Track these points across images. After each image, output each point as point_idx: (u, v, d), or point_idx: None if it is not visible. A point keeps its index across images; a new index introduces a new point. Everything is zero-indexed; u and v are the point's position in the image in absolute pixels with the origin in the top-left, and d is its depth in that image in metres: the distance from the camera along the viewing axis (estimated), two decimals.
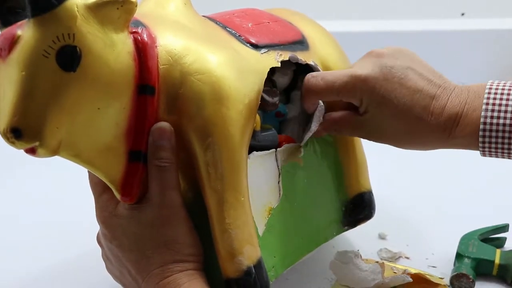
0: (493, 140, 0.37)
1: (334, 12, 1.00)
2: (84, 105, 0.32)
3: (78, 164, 0.34)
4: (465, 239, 0.51)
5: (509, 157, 0.39)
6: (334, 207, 0.47)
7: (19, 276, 0.50)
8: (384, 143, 0.42)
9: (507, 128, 0.37)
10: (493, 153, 0.39)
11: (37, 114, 0.30)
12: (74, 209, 0.59)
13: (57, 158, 0.33)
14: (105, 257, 0.41)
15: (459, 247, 0.50)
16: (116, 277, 0.41)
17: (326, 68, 0.45)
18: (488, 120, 0.37)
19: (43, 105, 0.30)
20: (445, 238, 0.53)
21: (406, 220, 0.58)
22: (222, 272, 0.37)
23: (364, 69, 0.40)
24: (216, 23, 0.42)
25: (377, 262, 0.47)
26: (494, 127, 0.37)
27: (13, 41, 0.30)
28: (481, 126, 0.37)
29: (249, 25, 0.42)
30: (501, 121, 0.37)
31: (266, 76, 0.40)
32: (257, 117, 0.39)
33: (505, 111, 0.37)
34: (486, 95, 0.38)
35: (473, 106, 0.38)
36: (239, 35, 0.41)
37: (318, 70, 0.45)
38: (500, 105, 0.37)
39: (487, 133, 0.37)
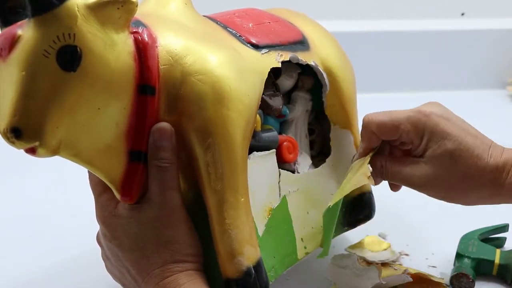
0: None
1: (334, 12, 1.00)
2: (84, 105, 0.32)
3: (78, 164, 0.34)
4: (465, 239, 0.51)
5: None
6: None
7: (19, 276, 0.50)
8: (429, 193, 0.41)
9: None
10: None
11: (37, 114, 0.30)
12: (74, 208, 0.59)
13: (57, 158, 0.33)
14: (104, 256, 0.41)
15: (459, 247, 0.50)
16: (115, 277, 0.41)
17: (327, 68, 0.45)
18: None
19: (43, 105, 0.30)
20: (445, 238, 0.53)
21: (406, 220, 0.58)
22: (221, 272, 0.37)
23: (429, 108, 0.41)
24: (217, 23, 0.42)
25: (374, 264, 0.47)
26: None
27: (13, 41, 0.30)
28: None
29: (250, 25, 0.42)
30: None
31: (266, 76, 0.40)
32: (258, 117, 0.39)
33: None
34: None
35: None
36: (240, 35, 0.41)
37: (319, 71, 0.45)
38: None
39: None
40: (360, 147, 0.43)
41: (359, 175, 0.40)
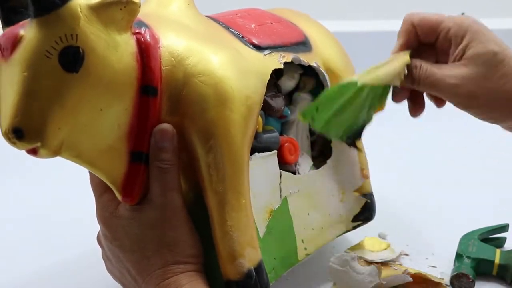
0: None
1: (335, 12, 1.00)
2: (86, 105, 0.32)
3: (80, 165, 0.34)
4: (465, 239, 0.51)
5: None
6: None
7: (19, 276, 0.50)
8: (468, 100, 0.38)
9: None
10: None
11: (39, 114, 0.30)
12: (75, 209, 0.58)
13: (58, 158, 0.33)
14: (105, 257, 0.41)
15: (459, 247, 0.50)
16: (116, 277, 0.41)
17: (329, 69, 0.45)
18: None
19: (45, 106, 0.30)
20: (445, 238, 0.53)
21: (406, 220, 0.58)
22: (222, 274, 0.37)
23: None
24: (219, 23, 0.41)
25: (374, 264, 0.47)
26: None
27: (15, 41, 0.30)
28: None
29: (252, 25, 0.42)
30: None
31: (269, 77, 0.40)
32: (259, 118, 0.39)
33: None
34: None
35: None
36: (242, 36, 0.41)
37: (321, 72, 0.45)
38: None
39: None
40: (396, 46, 0.40)
41: (394, 73, 0.37)
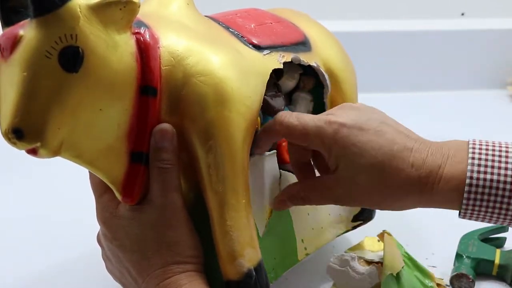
0: (478, 196, 0.34)
1: (335, 12, 1.00)
2: (86, 106, 0.32)
3: (80, 165, 0.34)
4: (465, 239, 0.51)
5: (490, 219, 0.35)
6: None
7: (19, 276, 0.50)
8: (359, 205, 0.39)
9: (494, 184, 0.34)
10: (476, 211, 0.35)
11: (38, 114, 0.30)
12: (75, 209, 0.58)
13: (58, 158, 0.33)
14: (105, 257, 0.41)
15: (459, 247, 0.50)
16: (116, 277, 0.41)
17: (329, 69, 0.45)
18: (475, 175, 0.34)
19: (45, 106, 0.30)
20: (445, 238, 0.53)
21: (406, 220, 0.58)
22: (222, 274, 0.37)
23: (339, 117, 0.36)
24: (219, 23, 0.41)
25: (374, 264, 0.47)
26: (481, 182, 0.34)
27: (15, 41, 0.30)
28: (468, 181, 0.34)
29: (252, 25, 0.42)
30: (488, 176, 0.34)
31: (268, 77, 0.40)
32: (258, 119, 0.39)
33: (492, 167, 0.34)
34: (471, 149, 0.35)
35: (458, 159, 0.35)
36: (242, 36, 0.41)
37: (320, 72, 0.45)
38: (486, 160, 0.34)
39: (473, 188, 0.34)
40: (259, 140, 0.39)
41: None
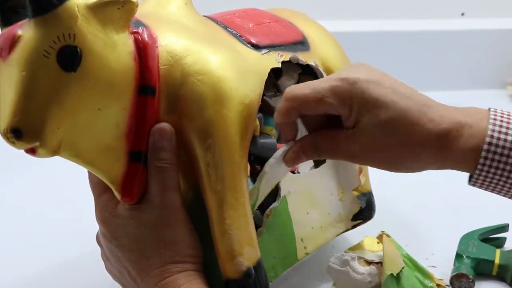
0: (496, 157, 0.33)
1: (334, 12, 1.00)
2: (84, 105, 0.32)
3: (78, 164, 0.34)
4: (465, 239, 0.51)
5: (501, 188, 0.35)
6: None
7: (19, 276, 0.50)
8: (371, 164, 0.37)
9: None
10: (490, 175, 0.34)
11: (37, 114, 0.30)
12: (74, 209, 0.58)
13: (56, 158, 0.33)
14: (104, 257, 0.41)
15: (459, 247, 0.50)
16: (115, 277, 0.41)
17: (327, 68, 0.45)
18: (496, 134, 0.33)
19: (43, 105, 0.30)
20: (445, 238, 0.53)
21: (406, 220, 0.58)
22: (222, 273, 0.37)
23: (355, 73, 0.35)
24: (217, 23, 0.42)
25: (374, 264, 0.47)
26: (501, 143, 0.33)
27: (13, 41, 0.30)
28: (487, 139, 0.33)
29: (250, 25, 0.42)
30: (509, 137, 0.33)
31: (267, 76, 0.40)
32: (257, 122, 0.39)
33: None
34: (492, 113, 0.35)
35: (478, 118, 0.34)
36: (240, 36, 0.41)
37: (319, 71, 0.45)
38: (508, 122, 0.34)
39: (492, 148, 0.33)
40: (282, 131, 0.38)
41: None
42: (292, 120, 0.37)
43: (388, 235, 0.48)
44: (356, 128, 0.35)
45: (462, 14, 1.04)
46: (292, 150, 0.38)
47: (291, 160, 0.38)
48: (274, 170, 0.38)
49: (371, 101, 0.34)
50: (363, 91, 0.34)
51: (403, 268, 0.44)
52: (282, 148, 0.38)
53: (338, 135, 0.36)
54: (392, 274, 0.44)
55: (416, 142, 0.35)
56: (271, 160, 0.38)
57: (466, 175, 0.36)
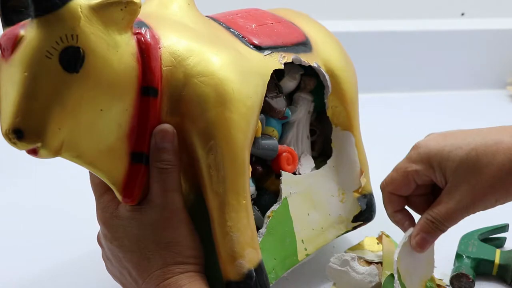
0: None
1: (335, 12, 1.00)
2: (86, 106, 0.32)
3: (80, 165, 0.34)
4: (465, 239, 0.51)
5: None
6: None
7: (19, 276, 0.50)
8: (481, 208, 0.38)
9: None
10: None
11: (39, 115, 0.30)
12: (75, 209, 0.58)
13: (58, 158, 0.33)
14: (105, 257, 0.41)
15: (459, 247, 0.50)
16: (116, 278, 0.41)
17: (329, 70, 0.45)
18: None
19: (45, 106, 0.30)
20: (445, 238, 0.53)
21: None
22: (223, 274, 0.37)
23: (419, 142, 0.40)
24: (220, 23, 0.41)
25: (374, 264, 0.47)
26: None
27: (16, 41, 0.30)
28: None
29: (253, 26, 0.42)
30: None
31: (269, 78, 0.40)
32: (259, 123, 0.39)
33: None
34: None
35: None
36: (243, 36, 0.41)
37: (321, 72, 0.45)
38: None
39: None
40: (389, 215, 0.42)
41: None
42: (399, 208, 0.42)
43: (388, 236, 0.49)
44: (448, 182, 0.38)
45: (462, 14, 1.05)
46: (416, 233, 0.40)
47: (419, 245, 0.40)
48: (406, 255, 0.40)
49: (446, 147, 0.37)
50: (435, 143, 0.38)
51: None
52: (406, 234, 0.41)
53: (439, 202, 0.39)
54: (392, 274, 0.44)
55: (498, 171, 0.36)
56: (401, 249, 0.40)
57: None
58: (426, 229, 0.39)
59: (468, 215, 0.39)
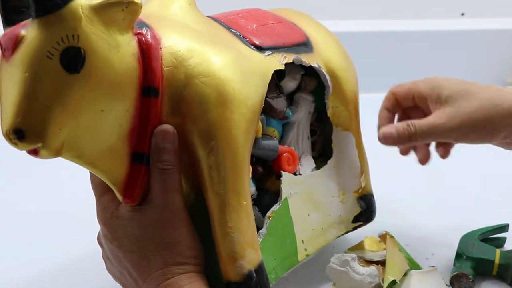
0: None
1: (335, 12, 1.00)
2: (87, 106, 0.32)
3: (81, 166, 0.34)
4: (465, 239, 0.51)
5: None
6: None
7: (19, 276, 0.50)
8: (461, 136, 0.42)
9: None
10: None
11: (40, 115, 0.30)
12: (75, 209, 0.58)
13: (58, 158, 0.33)
14: (105, 257, 0.41)
15: (459, 247, 0.50)
16: (116, 278, 0.41)
17: (330, 70, 0.45)
18: None
19: (46, 106, 0.30)
20: (445, 238, 0.53)
21: (406, 220, 0.58)
22: (223, 275, 0.37)
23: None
24: (221, 24, 0.41)
25: (374, 264, 0.47)
26: None
27: (16, 41, 0.30)
28: None
29: (253, 26, 0.42)
30: None
31: (270, 78, 0.40)
32: (259, 124, 0.39)
33: None
34: None
35: None
36: (243, 37, 0.41)
37: (322, 73, 0.45)
38: None
39: None
40: (380, 108, 0.47)
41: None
42: (391, 109, 0.47)
43: (392, 236, 0.49)
44: (441, 104, 0.42)
45: (462, 14, 1.05)
46: (388, 127, 0.44)
47: (384, 135, 0.44)
48: None
49: (449, 82, 0.43)
50: (443, 79, 0.44)
51: (406, 271, 0.44)
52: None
53: (428, 117, 0.43)
54: (394, 281, 0.44)
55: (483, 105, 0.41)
56: None
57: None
58: (399, 128, 0.43)
59: (445, 138, 0.42)
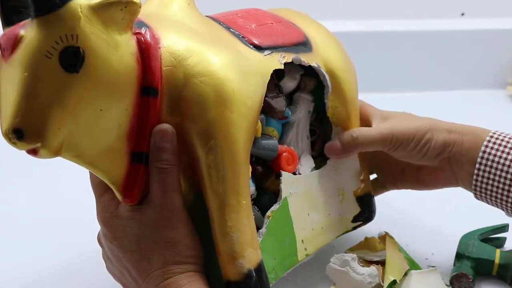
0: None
1: (335, 12, 1.00)
2: (86, 106, 0.32)
3: (80, 165, 0.34)
4: (465, 239, 0.51)
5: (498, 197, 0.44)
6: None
7: (19, 276, 0.50)
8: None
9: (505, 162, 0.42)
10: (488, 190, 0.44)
11: (39, 115, 0.30)
12: (75, 209, 0.58)
13: (58, 158, 0.33)
14: (105, 257, 0.41)
15: (459, 247, 0.50)
16: (116, 277, 0.41)
17: (329, 70, 0.45)
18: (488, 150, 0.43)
19: (45, 106, 0.30)
20: (445, 238, 0.53)
21: (406, 220, 0.58)
22: (222, 274, 0.37)
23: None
24: (220, 23, 0.41)
25: (374, 264, 0.47)
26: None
27: (15, 41, 0.30)
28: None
29: (253, 26, 0.42)
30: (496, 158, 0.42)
31: (269, 78, 0.40)
32: (259, 123, 0.39)
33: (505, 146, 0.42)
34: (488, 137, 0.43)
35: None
36: (243, 36, 0.41)
37: (321, 72, 0.45)
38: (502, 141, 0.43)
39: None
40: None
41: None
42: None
43: (391, 237, 0.49)
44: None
45: (462, 14, 1.05)
46: (332, 141, 0.47)
47: (330, 148, 0.47)
48: None
49: (383, 114, 0.49)
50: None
51: (406, 271, 0.44)
52: None
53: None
54: (394, 281, 0.44)
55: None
56: None
57: None
58: (343, 138, 0.46)
59: (383, 147, 0.45)
